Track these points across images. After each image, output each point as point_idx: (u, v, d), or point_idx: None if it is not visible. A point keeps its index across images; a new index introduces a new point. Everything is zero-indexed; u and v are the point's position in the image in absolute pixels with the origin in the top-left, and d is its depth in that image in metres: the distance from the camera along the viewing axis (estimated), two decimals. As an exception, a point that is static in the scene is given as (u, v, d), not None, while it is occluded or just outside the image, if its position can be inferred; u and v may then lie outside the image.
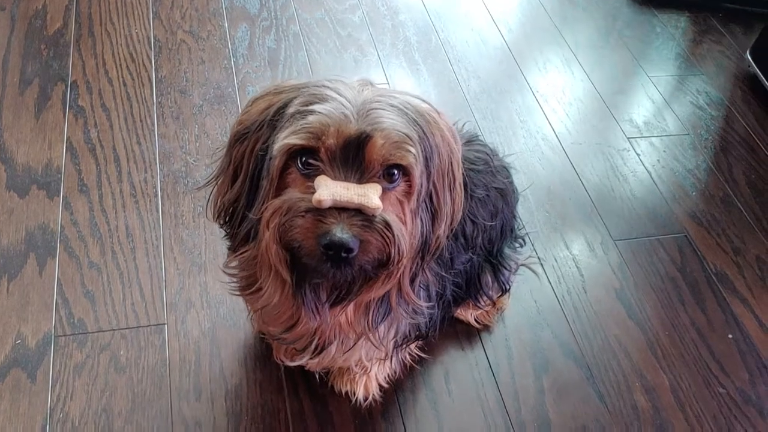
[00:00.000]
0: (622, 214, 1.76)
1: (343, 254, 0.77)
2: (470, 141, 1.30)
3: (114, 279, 1.43)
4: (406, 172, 0.84)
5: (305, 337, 1.02)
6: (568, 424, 1.36)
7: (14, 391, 1.25)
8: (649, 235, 1.72)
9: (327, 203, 0.78)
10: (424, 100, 0.90)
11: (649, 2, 2.47)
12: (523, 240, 1.49)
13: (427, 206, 0.90)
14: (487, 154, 1.30)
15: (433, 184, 0.89)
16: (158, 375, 1.31)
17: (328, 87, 0.84)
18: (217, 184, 0.95)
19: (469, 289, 1.35)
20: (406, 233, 0.85)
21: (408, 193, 0.86)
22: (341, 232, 0.77)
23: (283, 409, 1.29)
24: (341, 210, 0.78)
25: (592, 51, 2.24)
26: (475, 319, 1.46)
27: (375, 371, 1.26)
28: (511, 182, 1.39)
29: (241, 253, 0.94)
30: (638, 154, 1.92)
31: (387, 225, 0.80)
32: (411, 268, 0.95)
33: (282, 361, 1.16)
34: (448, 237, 0.98)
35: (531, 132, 1.93)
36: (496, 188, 1.29)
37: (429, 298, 1.08)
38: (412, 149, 0.82)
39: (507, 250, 1.41)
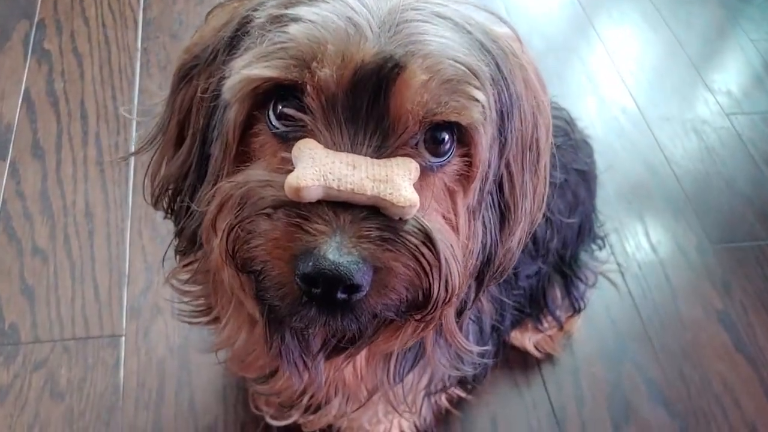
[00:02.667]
0: (722, 210, 1.37)
1: (341, 294, 0.42)
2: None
3: (63, 272, 1.10)
4: (464, 138, 0.48)
5: (291, 391, 0.67)
6: (656, 497, 1.00)
7: None
8: (758, 239, 1.33)
9: (313, 193, 0.42)
10: (504, 21, 0.53)
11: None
12: (603, 241, 1.11)
13: (493, 200, 0.53)
14: (567, 123, 0.95)
15: (507, 163, 0.52)
16: (107, 405, 0.98)
17: None
18: (156, 148, 0.60)
19: (530, 307, 0.99)
20: (458, 249, 0.48)
21: (466, 177, 0.50)
22: (337, 251, 0.41)
23: (271, 462, 0.95)
24: (341, 207, 0.43)
25: (679, 5, 1.83)
26: (535, 346, 1.09)
27: (398, 420, 0.91)
28: (594, 162, 1.03)
29: (189, 263, 0.59)
30: (739, 134, 1.52)
31: (427, 237, 0.44)
32: (458, 301, 0.58)
33: (261, 413, 0.82)
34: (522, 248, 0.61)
35: (605, 100, 1.54)
36: (576, 170, 0.94)
37: (481, 335, 0.72)
38: (481, 95, 0.45)
39: (584, 256, 1.05)
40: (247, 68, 0.46)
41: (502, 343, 1.03)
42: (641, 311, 1.20)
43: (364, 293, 0.43)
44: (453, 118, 0.46)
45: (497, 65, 0.49)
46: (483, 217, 0.53)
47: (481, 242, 0.53)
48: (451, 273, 0.47)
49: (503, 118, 0.50)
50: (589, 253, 1.08)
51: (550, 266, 0.97)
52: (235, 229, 0.45)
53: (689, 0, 1.86)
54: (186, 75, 0.55)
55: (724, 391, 1.12)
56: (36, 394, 0.98)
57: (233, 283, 0.50)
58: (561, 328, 1.09)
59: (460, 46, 0.46)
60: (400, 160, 0.44)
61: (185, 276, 0.63)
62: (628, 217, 1.33)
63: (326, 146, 0.44)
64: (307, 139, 0.44)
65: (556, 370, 1.10)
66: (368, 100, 0.44)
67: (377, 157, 0.44)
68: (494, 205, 0.54)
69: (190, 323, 0.66)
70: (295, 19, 0.45)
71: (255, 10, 0.49)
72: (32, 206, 1.17)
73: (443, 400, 0.94)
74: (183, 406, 0.99)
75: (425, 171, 0.47)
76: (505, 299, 0.74)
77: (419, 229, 0.44)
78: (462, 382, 0.85)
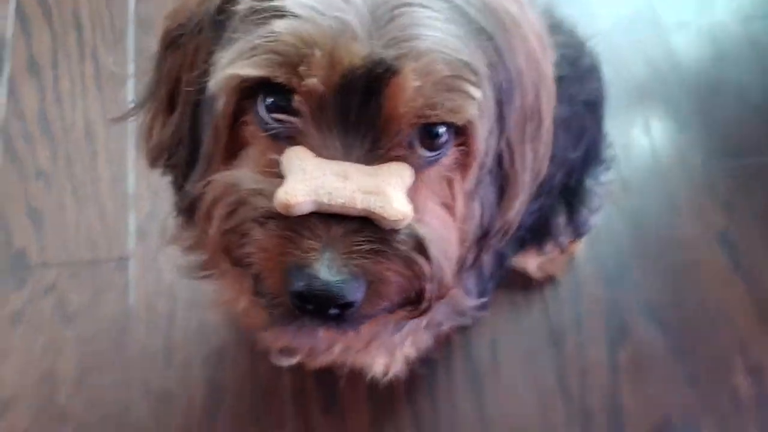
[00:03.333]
0: (730, 123, 1.34)
1: (332, 311, 0.42)
2: (550, 31, 0.89)
3: (66, 193, 1.11)
4: (460, 131, 0.46)
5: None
6: (646, 412, 1.05)
7: (-69, 345, 0.97)
8: (766, 156, 1.31)
9: (303, 208, 0.41)
10: None
11: None
12: (610, 163, 1.10)
13: (492, 176, 0.52)
14: (575, 49, 0.91)
15: (507, 139, 0.51)
16: (118, 329, 1.01)
17: None
18: (147, 112, 0.58)
19: (533, 235, 0.99)
20: (452, 239, 0.48)
21: (463, 165, 0.49)
22: (329, 270, 0.41)
23: (279, 384, 0.99)
24: (332, 219, 0.42)
25: None
26: (537, 269, 1.11)
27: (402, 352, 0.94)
28: (603, 86, 1.00)
29: (189, 230, 0.59)
30: (755, 41, 1.46)
31: (419, 245, 0.44)
32: (460, 260, 0.59)
33: (269, 355, 0.85)
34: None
35: (620, 4, 1.47)
36: (583, 101, 0.91)
37: (480, 285, 0.73)
38: (476, 92, 0.44)
39: (589, 183, 1.04)
40: (233, 66, 0.43)
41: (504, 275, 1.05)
42: (643, 231, 1.20)
43: (357, 306, 0.43)
44: (448, 119, 0.44)
45: (496, 48, 0.47)
46: (480, 195, 0.52)
47: (479, 220, 0.53)
48: (444, 274, 0.47)
49: (501, 103, 0.48)
50: (594, 178, 1.07)
51: (553, 197, 0.97)
52: (227, 233, 0.45)
53: None
54: (172, 42, 0.52)
55: (718, 311, 1.14)
56: (48, 318, 1.01)
57: (229, 269, 0.50)
58: (563, 251, 1.10)
59: (455, 37, 0.44)
60: (393, 167, 0.43)
61: (187, 241, 0.63)
62: (633, 129, 1.30)
63: (317, 149, 0.43)
64: (297, 147, 0.43)
65: (556, 292, 1.12)
66: (359, 102, 0.42)
67: (370, 159, 0.43)
68: (493, 181, 0.53)
69: (194, 279, 0.67)
70: (280, 12, 0.42)
71: None
72: (32, 127, 1.16)
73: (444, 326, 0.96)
74: (193, 328, 1.02)
75: (421, 166, 0.46)
76: (503, 247, 0.74)
77: (411, 236, 0.44)
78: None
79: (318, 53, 0.41)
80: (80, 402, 0.95)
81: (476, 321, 0.96)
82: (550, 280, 1.12)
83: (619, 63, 1.38)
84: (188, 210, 0.56)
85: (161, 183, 1.08)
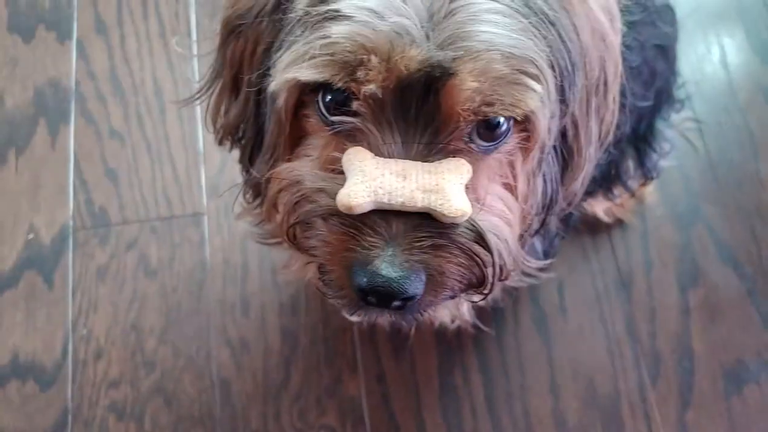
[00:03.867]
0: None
1: (395, 303, 0.43)
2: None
3: (140, 152, 1.14)
4: (523, 120, 0.45)
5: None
6: (718, 355, 1.04)
7: (30, 299, 1.04)
8: None
9: (365, 208, 0.42)
10: None
11: None
12: (682, 104, 1.06)
13: (556, 151, 0.52)
14: None
15: (572, 115, 0.50)
16: (197, 281, 1.06)
17: None
18: (212, 94, 0.60)
19: (601, 180, 0.98)
20: (514, 221, 0.48)
21: (524, 149, 0.48)
22: (391, 266, 0.42)
23: (350, 330, 1.03)
24: (392, 215, 0.43)
25: None
26: (605, 213, 1.09)
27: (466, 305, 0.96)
28: (676, 28, 0.95)
29: (258, 206, 0.61)
30: None
31: (479, 236, 0.44)
32: (524, 229, 0.59)
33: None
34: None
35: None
36: (655, 45, 0.87)
37: (546, 243, 0.73)
38: (537, 86, 0.43)
39: (660, 125, 1.00)
40: (292, 70, 0.44)
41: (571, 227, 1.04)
42: (717, 170, 1.16)
43: (420, 295, 0.44)
44: (507, 113, 0.44)
45: (558, 33, 0.45)
46: (544, 172, 0.52)
47: (542, 193, 0.53)
48: (504, 260, 0.47)
49: (564, 89, 0.47)
50: (666, 120, 1.03)
51: (623, 142, 0.95)
52: (293, 225, 0.47)
53: None
54: (233, 30, 0.53)
55: (799, 253, 1.11)
56: (132, 273, 1.06)
57: (297, 252, 0.52)
58: (632, 195, 1.08)
59: (514, 32, 0.42)
60: (452, 163, 0.43)
61: (255, 213, 0.65)
62: (708, 61, 1.24)
63: (376, 147, 0.43)
64: (357, 149, 0.43)
65: (625, 235, 1.11)
66: (417, 101, 0.42)
67: (429, 155, 0.43)
68: (556, 155, 0.52)
69: (266, 245, 0.70)
70: (336, 15, 0.42)
71: None
72: (104, 86, 1.19)
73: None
74: (267, 279, 1.06)
75: (481, 156, 0.46)
76: (571, 210, 0.74)
77: (472, 230, 0.44)
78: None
79: (375, 60, 0.41)
80: (165, 350, 1.02)
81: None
82: (619, 224, 1.11)
83: (694, -10, 1.31)
84: (256, 188, 0.58)
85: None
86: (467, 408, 1.00)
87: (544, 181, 0.53)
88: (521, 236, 0.62)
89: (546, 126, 0.47)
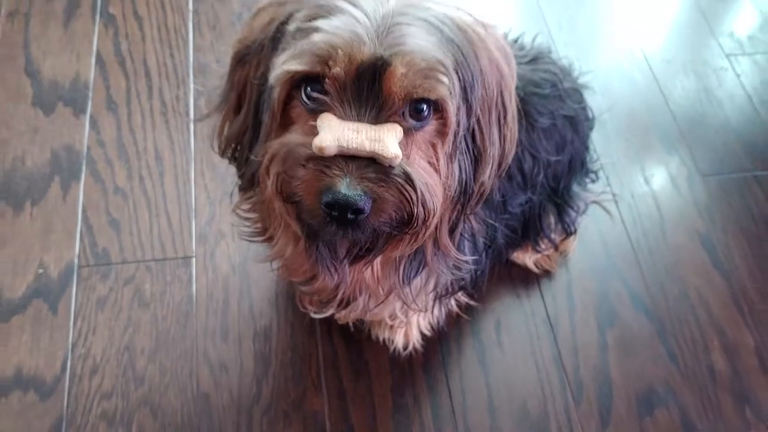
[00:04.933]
0: (713, 145, 1.53)
1: (350, 215, 0.62)
2: (535, 59, 1.10)
3: (141, 206, 1.33)
4: (437, 107, 0.67)
5: (327, 290, 0.89)
6: (632, 385, 1.21)
7: (36, 323, 1.18)
8: (744, 171, 1.49)
9: (330, 150, 0.62)
10: (468, 13, 0.71)
11: None
12: (596, 174, 1.29)
13: (468, 147, 0.73)
14: (555, 75, 1.11)
15: (477, 119, 0.71)
16: (184, 312, 1.22)
17: None
18: (221, 113, 0.80)
19: (527, 231, 1.18)
20: (436, 185, 0.68)
21: (442, 133, 0.69)
22: (347, 188, 0.61)
23: (315, 355, 1.19)
24: (350, 159, 0.62)
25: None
26: (535, 264, 1.29)
27: (417, 319, 1.13)
28: (584, 108, 1.19)
29: (250, 196, 0.80)
30: (738, 75, 1.66)
31: (408, 178, 0.64)
32: (449, 218, 0.79)
33: (306, 310, 1.04)
34: (497, 179, 0.81)
35: (613, 45, 1.69)
36: (564, 116, 1.10)
37: (475, 250, 0.92)
38: (445, 79, 0.64)
39: (575, 188, 1.23)
40: (286, 64, 0.65)
41: (503, 260, 1.24)
42: (631, 235, 1.38)
43: (366, 215, 0.63)
44: (426, 95, 0.65)
45: (462, 53, 0.67)
46: (459, 160, 0.72)
47: (458, 179, 0.73)
48: (425, 201, 0.66)
49: (467, 90, 0.68)
50: (581, 185, 1.25)
51: (543, 196, 1.16)
52: (281, 174, 0.66)
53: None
54: (241, 59, 0.74)
55: (699, 301, 1.31)
56: (127, 303, 1.22)
57: (282, 210, 0.70)
58: (556, 248, 1.28)
59: (431, 44, 0.65)
60: (389, 125, 0.64)
61: (246, 206, 0.84)
62: (626, 151, 1.50)
63: (340, 115, 0.64)
64: (326, 113, 0.64)
65: (552, 284, 1.30)
66: (368, 85, 0.63)
67: (375, 122, 0.64)
68: (469, 151, 0.73)
69: (250, 241, 0.88)
70: (317, 29, 0.64)
71: (289, 16, 0.68)
72: (111, 152, 1.39)
73: (453, 305, 1.15)
74: (244, 311, 1.22)
75: (411, 131, 0.66)
76: (494, 222, 0.94)
77: (403, 172, 0.64)
78: (464, 287, 1.05)
79: (340, 53, 0.62)
80: (154, 369, 1.16)
81: (482, 297, 1.14)
82: (547, 273, 1.31)
83: (611, 94, 1.59)
84: (250, 181, 0.77)
85: (217, 195, 1.31)
86: (416, 424, 1.14)
87: (460, 169, 0.72)
88: (451, 231, 0.82)
89: (454, 113, 0.67)
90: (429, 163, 0.69)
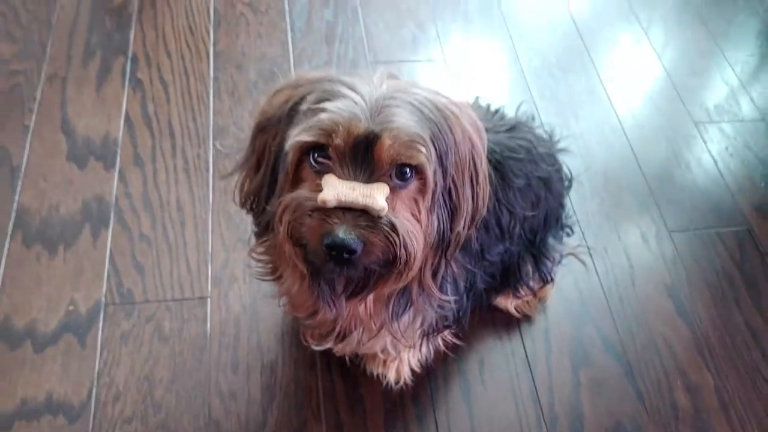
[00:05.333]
0: (681, 204, 1.69)
1: (345, 255, 0.77)
2: (513, 128, 1.26)
3: (163, 251, 1.48)
4: (418, 170, 0.82)
5: (327, 324, 1.04)
6: (602, 420, 1.33)
7: (65, 354, 1.32)
8: (708, 227, 1.65)
9: (331, 203, 0.77)
10: (445, 97, 0.88)
11: (733, -25, 2.32)
12: (571, 229, 1.44)
13: (445, 202, 0.88)
14: (530, 141, 1.26)
15: (452, 180, 0.87)
16: (199, 347, 1.36)
17: (343, 83, 0.82)
18: (242, 172, 0.96)
19: (507, 278, 1.32)
20: (417, 233, 0.83)
21: (422, 191, 0.84)
22: (344, 232, 0.76)
23: (316, 388, 1.32)
24: (346, 210, 0.78)
25: (666, 28, 2.13)
26: (516, 308, 1.43)
27: (407, 356, 1.27)
28: (558, 170, 1.35)
29: (264, 241, 0.95)
30: (705, 141, 1.83)
31: (392, 226, 0.79)
32: (432, 263, 0.94)
33: (308, 343, 1.18)
34: (474, 228, 0.96)
35: (591, 113, 1.86)
36: (538, 177, 1.25)
37: (456, 291, 1.07)
38: (423, 149, 0.80)
39: (551, 241, 1.37)
40: (299, 136, 0.81)
41: (487, 304, 1.38)
42: (603, 284, 1.52)
43: (359, 255, 0.78)
44: (408, 161, 0.80)
45: (438, 128, 0.83)
46: (437, 213, 0.87)
47: (437, 229, 0.88)
48: (407, 245, 0.81)
49: (442, 157, 0.84)
50: (557, 238, 1.41)
51: (521, 247, 1.30)
52: (291, 222, 0.81)
53: (676, 22, 2.15)
54: (262, 129, 0.90)
55: (664, 346, 1.44)
56: (148, 338, 1.36)
57: (290, 252, 0.85)
58: (535, 295, 1.42)
59: (413, 122, 0.80)
60: (379, 184, 0.79)
61: (260, 250, 0.99)
62: (600, 209, 1.65)
63: (340, 177, 0.79)
64: (329, 174, 0.80)
65: (531, 328, 1.44)
66: (362, 153, 0.79)
67: (368, 182, 0.79)
68: (446, 206, 0.88)
69: (262, 280, 1.03)
70: (324, 110, 0.80)
71: (302, 98, 0.84)
72: (137, 203, 1.56)
73: (440, 344, 1.29)
74: (253, 347, 1.36)
75: (396, 189, 0.82)
76: (472, 268, 1.09)
77: (389, 221, 0.79)
78: (448, 326, 1.19)
79: (341, 128, 0.78)
80: (170, 397, 1.29)
81: (467, 338, 1.28)
82: (526, 318, 1.45)
83: (589, 157, 1.75)
84: (264, 228, 0.92)
85: (231, 243, 1.47)
86: (405, 452, 1.27)
87: (438, 220, 0.87)
88: (434, 274, 0.97)
89: (432, 176, 0.82)
90: (412, 214, 0.84)
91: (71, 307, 1.38)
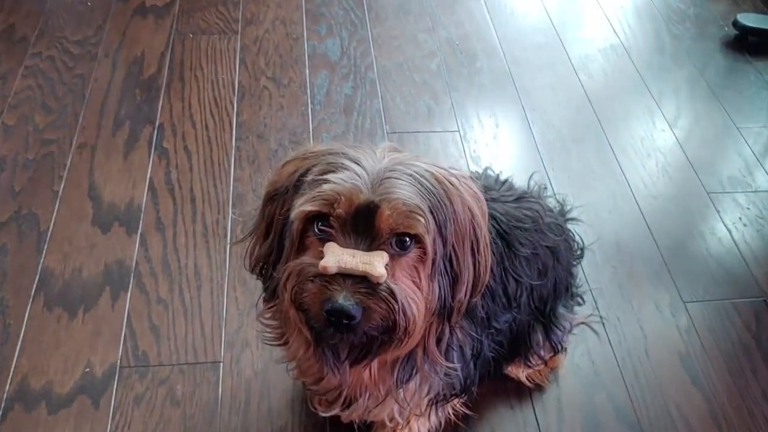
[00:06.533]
0: (695, 274, 1.68)
1: (345, 321, 0.80)
2: (520, 198, 1.28)
3: (179, 315, 1.51)
4: (417, 240, 0.85)
5: (333, 389, 1.05)
6: (616, 493, 1.31)
7: (79, 416, 1.34)
8: (723, 298, 1.64)
9: (332, 270, 0.80)
10: (445, 169, 0.91)
11: (745, 49, 2.37)
12: (582, 299, 1.45)
13: (446, 269, 0.90)
14: (537, 212, 1.28)
15: (453, 248, 0.89)
16: (210, 411, 1.37)
17: (347, 156, 0.86)
18: (252, 238, 1.00)
19: (517, 347, 1.33)
20: (417, 300, 0.86)
21: (422, 260, 0.87)
22: (343, 299, 0.79)
23: (324, 453, 1.32)
24: (347, 277, 0.80)
25: (678, 100, 2.17)
26: (527, 378, 1.43)
27: (416, 425, 1.26)
28: (566, 239, 1.36)
29: (271, 306, 0.98)
30: (718, 211, 1.84)
31: (391, 293, 0.82)
32: (436, 329, 0.95)
33: (316, 410, 1.19)
34: (478, 296, 0.97)
35: (603, 184, 1.89)
36: (546, 246, 1.27)
37: (463, 359, 1.08)
38: (422, 219, 0.83)
39: (561, 310, 1.38)
40: (303, 206, 0.84)
41: (497, 374, 1.38)
42: (617, 354, 1.52)
43: (358, 321, 0.80)
44: (406, 230, 0.83)
45: (437, 199, 0.86)
46: (438, 280, 0.89)
47: (438, 296, 0.90)
48: (405, 310, 0.83)
49: (441, 227, 0.87)
50: (567, 307, 1.41)
51: (531, 316, 1.31)
52: (295, 287, 0.84)
53: (688, 94, 2.20)
54: (271, 198, 0.94)
55: (679, 416, 1.42)
56: (161, 402, 1.38)
57: (295, 317, 0.88)
58: (546, 364, 1.42)
59: (412, 193, 0.83)
60: (379, 252, 0.82)
61: (268, 315, 1.02)
62: (612, 278, 1.66)
63: (341, 245, 0.82)
64: (331, 242, 0.83)
65: (543, 397, 1.43)
66: (363, 222, 0.82)
67: (368, 250, 0.82)
68: (447, 273, 0.90)
69: (270, 345, 1.05)
70: (327, 181, 0.84)
71: (308, 169, 0.88)
72: (156, 267, 1.60)
73: (450, 412, 1.28)
74: (263, 412, 1.37)
75: (397, 257, 0.84)
76: (476, 335, 1.10)
77: (388, 289, 0.82)
78: (456, 395, 1.19)
79: (343, 198, 0.82)
80: (180, 461, 1.30)
81: (468, 395, 1.27)
82: (538, 387, 1.44)
83: (600, 227, 1.77)
84: (272, 293, 0.95)
85: (246, 306, 1.49)
86: None
87: (439, 287, 0.89)
88: (438, 340, 0.98)
89: (431, 245, 0.85)
90: (413, 281, 0.86)
91: (87, 369, 1.41)
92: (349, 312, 0.78)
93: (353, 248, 0.81)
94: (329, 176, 0.84)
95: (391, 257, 0.83)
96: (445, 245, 0.87)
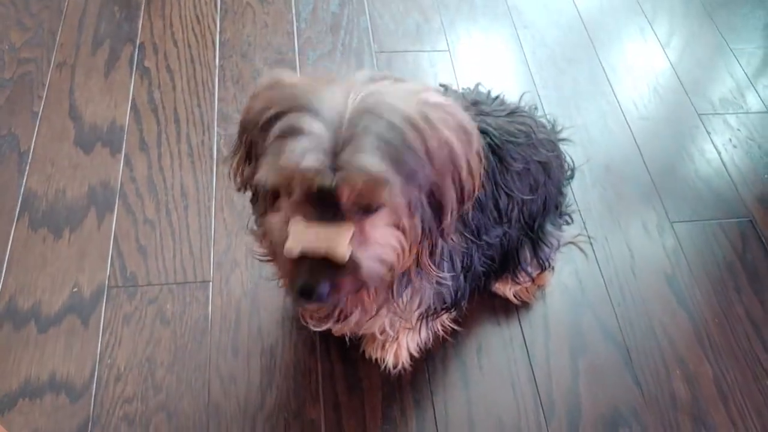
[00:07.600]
0: (683, 195, 1.69)
1: (315, 297, 0.80)
2: (512, 113, 1.26)
3: (166, 235, 1.50)
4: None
5: (326, 306, 1.05)
6: (599, 407, 1.34)
7: (69, 335, 1.34)
8: (710, 219, 1.64)
9: (295, 253, 0.80)
10: (425, 100, 0.83)
11: (741, -32, 2.31)
12: (570, 217, 1.44)
13: (428, 202, 0.88)
14: (530, 126, 1.26)
15: (431, 186, 0.86)
16: (200, 330, 1.37)
17: (311, 109, 0.79)
18: (235, 159, 0.97)
19: (506, 263, 1.33)
20: (393, 249, 0.87)
21: (396, 210, 0.84)
22: (308, 281, 0.80)
23: (315, 370, 1.33)
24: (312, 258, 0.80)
25: (671, 20, 2.13)
26: (514, 295, 1.44)
27: (406, 340, 1.28)
28: (558, 156, 1.34)
29: (261, 225, 0.97)
30: (708, 132, 1.82)
31: (356, 264, 0.82)
32: (429, 245, 0.94)
33: (307, 324, 1.19)
34: (467, 210, 0.96)
35: (594, 105, 1.86)
36: (537, 162, 1.26)
37: (453, 270, 1.08)
38: (383, 189, 0.78)
39: (549, 227, 1.38)
40: (263, 176, 0.80)
41: (486, 289, 1.39)
42: (604, 273, 1.53)
43: (327, 294, 0.80)
44: (370, 201, 0.80)
45: (407, 147, 0.79)
46: (420, 213, 0.87)
47: (422, 227, 0.89)
48: (372, 275, 0.84)
49: (411, 177, 0.80)
50: (556, 225, 1.41)
51: (520, 232, 1.31)
52: (271, 247, 0.85)
53: (682, 13, 2.15)
54: (245, 127, 0.91)
55: (664, 335, 1.44)
56: (150, 321, 1.38)
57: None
58: (533, 282, 1.43)
59: (377, 158, 0.77)
60: (344, 227, 0.80)
61: (259, 232, 1.01)
62: (601, 199, 1.65)
63: (306, 217, 0.80)
64: (297, 217, 0.81)
65: (530, 314, 1.45)
66: (326, 195, 0.78)
67: (333, 221, 0.80)
68: (430, 205, 0.88)
69: (261, 261, 1.04)
70: (284, 151, 0.78)
71: (273, 117, 0.81)
72: (142, 188, 1.57)
73: (438, 328, 1.30)
74: (253, 331, 1.37)
75: (366, 216, 0.82)
76: (473, 239, 1.09)
77: (353, 264, 0.81)
78: (447, 308, 1.19)
79: (297, 179, 0.78)
80: (170, 378, 1.30)
81: (458, 309, 1.28)
82: (525, 304, 1.45)
83: (591, 147, 1.76)
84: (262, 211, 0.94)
85: (234, 226, 1.48)
86: (402, 434, 1.28)
87: (422, 220, 0.88)
88: (431, 254, 0.97)
89: (403, 199, 0.81)
90: (387, 228, 0.85)
91: (75, 289, 1.40)
92: (317, 290, 0.80)
93: (318, 221, 0.80)
94: (288, 145, 0.78)
95: (360, 220, 0.82)
96: (420, 190, 0.85)
